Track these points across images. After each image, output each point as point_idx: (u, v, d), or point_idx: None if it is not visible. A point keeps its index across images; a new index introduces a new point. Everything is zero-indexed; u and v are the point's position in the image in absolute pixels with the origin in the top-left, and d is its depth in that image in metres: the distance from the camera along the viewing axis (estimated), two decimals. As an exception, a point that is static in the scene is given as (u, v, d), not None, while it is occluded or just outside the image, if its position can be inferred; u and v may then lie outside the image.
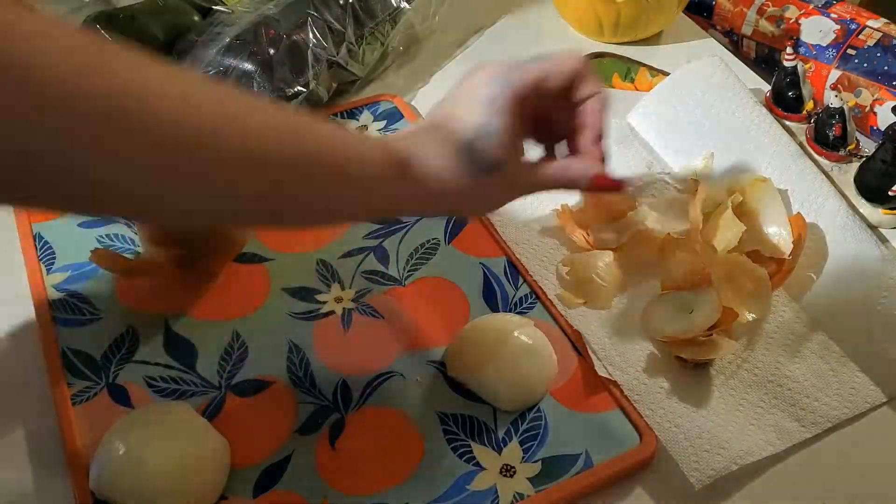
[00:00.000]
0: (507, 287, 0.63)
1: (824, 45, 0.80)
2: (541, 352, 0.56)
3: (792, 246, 0.62)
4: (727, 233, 0.61)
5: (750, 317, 0.60)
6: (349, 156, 0.43)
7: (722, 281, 0.59)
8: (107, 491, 0.49)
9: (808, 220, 0.64)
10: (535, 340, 0.56)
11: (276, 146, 0.39)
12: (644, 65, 0.85)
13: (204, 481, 0.49)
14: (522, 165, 0.48)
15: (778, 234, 0.63)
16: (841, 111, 0.69)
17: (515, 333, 0.56)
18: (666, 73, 0.79)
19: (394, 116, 0.77)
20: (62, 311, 0.60)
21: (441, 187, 0.45)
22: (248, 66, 0.74)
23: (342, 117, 0.77)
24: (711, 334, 0.57)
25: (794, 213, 0.64)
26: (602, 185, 0.49)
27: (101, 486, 0.49)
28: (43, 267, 0.63)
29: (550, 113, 0.50)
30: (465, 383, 0.56)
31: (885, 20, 0.81)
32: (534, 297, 0.62)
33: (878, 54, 0.77)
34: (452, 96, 0.48)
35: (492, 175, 0.45)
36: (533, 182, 0.48)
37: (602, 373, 0.57)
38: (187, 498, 0.49)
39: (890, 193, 0.67)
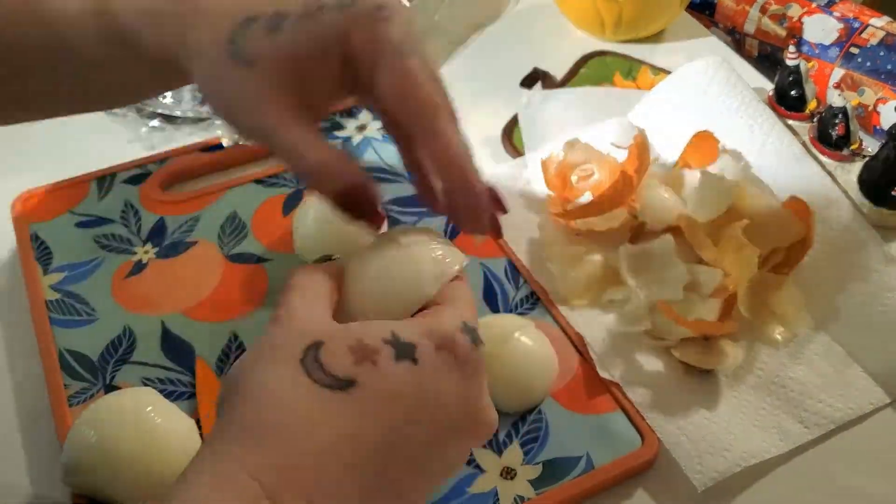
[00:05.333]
0: (507, 288, 0.62)
1: (827, 43, 0.80)
2: (541, 353, 0.56)
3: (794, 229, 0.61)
4: (743, 258, 0.59)
5: (778, 335, 0.59)
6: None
7: (746, 299, 0.59)
8: (80, 483, 0.49)
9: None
10: (536, 341, 0.56)
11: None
12: (646, 63, 0.84)
13: (170, 462, 0.48)
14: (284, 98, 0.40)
15: (776, 223, 0.62)
16: (844, 110, 0.68)
17: (516, 335, 0.55)
18: (668, 72, 0.79)
19: (394, 115, 0.77)
20: (59, 311, 0.60)
21: (200, 67, 0.41)
22: (247, 65, 0.73)
23: (342, 116, 0.77)
24: (719, 335, 0.57)
25: (787, 198, 0.63)
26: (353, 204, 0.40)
27: (73, 480, 0.49)
28: (40, 267, 0.63)
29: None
30: (466, 385, 0.55)
31: (889, 18, 0.80)
32: (534, 297, 0.62)
33: (882, 53, 0.77)
34: None
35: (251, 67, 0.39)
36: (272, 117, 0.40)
37: (603, 374, 0.56)
38: (156, 479, 0.48)
39: (893, 193, 0.66)
